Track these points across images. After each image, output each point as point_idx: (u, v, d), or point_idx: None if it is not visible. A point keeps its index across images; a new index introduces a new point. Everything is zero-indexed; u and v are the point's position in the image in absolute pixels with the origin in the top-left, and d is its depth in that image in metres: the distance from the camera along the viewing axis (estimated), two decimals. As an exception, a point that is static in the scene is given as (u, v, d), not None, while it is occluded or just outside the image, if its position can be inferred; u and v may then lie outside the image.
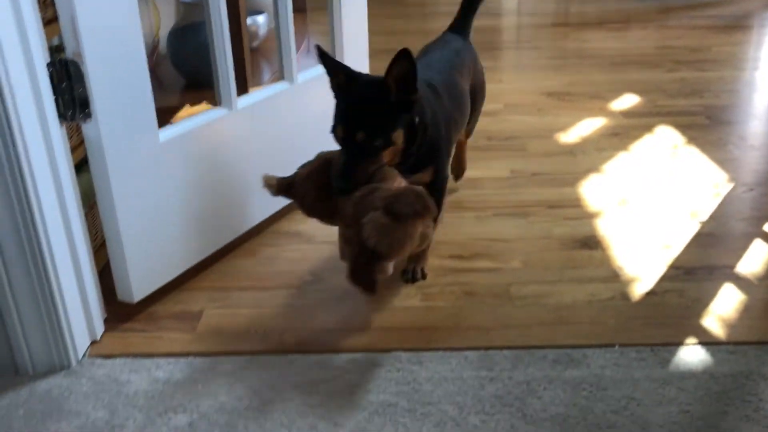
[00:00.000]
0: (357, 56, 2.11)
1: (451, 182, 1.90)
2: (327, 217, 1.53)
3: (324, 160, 1.50)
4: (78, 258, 1.43)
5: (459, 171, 2.13)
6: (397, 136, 1.41)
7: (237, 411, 1.29)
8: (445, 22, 2.00)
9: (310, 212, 1.54)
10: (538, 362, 1.39)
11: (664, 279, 1.66)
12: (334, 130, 1.42)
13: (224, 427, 1.26)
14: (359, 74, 1.46)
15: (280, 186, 1.51)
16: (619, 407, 1.27)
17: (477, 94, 1.92)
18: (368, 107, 1.41)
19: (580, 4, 4.69)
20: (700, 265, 1.71)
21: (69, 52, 1.33)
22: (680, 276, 1.67)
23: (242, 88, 2.01)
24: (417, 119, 1.45)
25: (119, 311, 1.57)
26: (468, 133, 2.06)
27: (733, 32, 3.90)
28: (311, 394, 1.33)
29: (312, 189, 1.49)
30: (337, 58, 1.74)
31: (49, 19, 1.40)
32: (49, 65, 1.31)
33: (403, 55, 1.34)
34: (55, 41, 1.42)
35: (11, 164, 1.26)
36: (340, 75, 1.45)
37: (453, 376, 1.36)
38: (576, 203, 2.04)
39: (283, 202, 1.66)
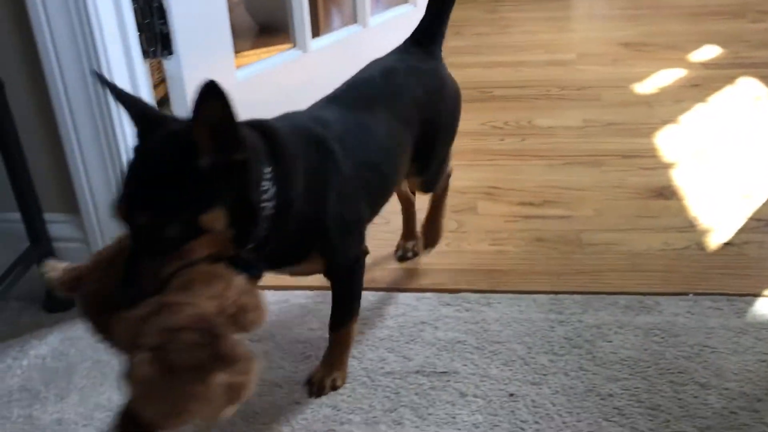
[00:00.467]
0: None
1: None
2: (110, 335, 0.93)
3: (121, 248, 0.94)
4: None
5: (430, 238, 1.56)
6: (212, 219, 0.88)
7: (310, 342, 1.34)
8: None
9: (89, 321, 0.96)
10: (608, 307, 1.38)
11: (743, 230, 1.61)
12: (116, 206, 0.90)
13: (298, 356, 1.30)
14: (160, 119, 0.93)
15: (64, 281, 0.97)
16: (692, 354, 1.25)
17: (436, 133, 1.32)
18: (158, 175, 0.87)
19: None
20: (782, 217, 1.66)
21: (153, -11, 1.37)
22: (761, 228, 1.61)
23: (314, 32, 2.01)
24: (266, 189, 0.95)
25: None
26: (425, 185, 1.43)
27: (825, -19, 3.68)
28: (380, 328, 1.36)
29: (96, 292, 0.94)
30: (410, 5, 1.58)
31: (133, -43, 1.43)
32: (133, 1, 1.35)
33: (210, 91, 0.81)
34: (139, -22, 1.45)
35: (99, 100, 1.31)
36: (134, 118, 0.93)
37: (522, 317, 1.37)
38: (651, 153, 1.98)
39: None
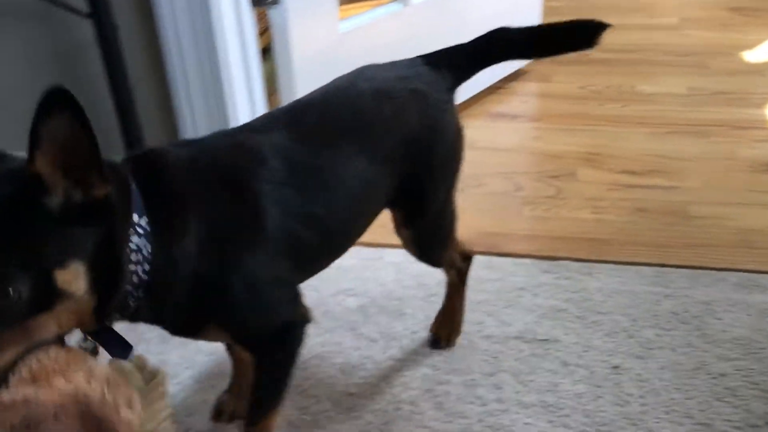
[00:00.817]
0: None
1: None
2: None
3: None
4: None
5: (444, 335, 1.22)
6: (71, 276, 0.66)
7: (404, 299, 1.32)
8: None
9: None
10: (718, 284, 1.32)
11: None
12: None
13: (393, 312, 1.29)
14: (5, 158, 0.68)
15: None
16: (811, 338, 1.18)
17: (427, 176, 1.00)
18: None
19: None
20: None
21: (263, -65, 1.35)
22: None
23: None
24: (135, 247, 0.71)
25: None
26: (420, 248, 1.10)
27: None
28: (478, 292, 1.33)
29: None
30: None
31: None
32: (245, -53, 1.33)
33: (55, 102, 0.59)
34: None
35: (208, 47, 1.31)
36: None
37: (625, 289, 1.32)
38: (763, 125, 1.87)
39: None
